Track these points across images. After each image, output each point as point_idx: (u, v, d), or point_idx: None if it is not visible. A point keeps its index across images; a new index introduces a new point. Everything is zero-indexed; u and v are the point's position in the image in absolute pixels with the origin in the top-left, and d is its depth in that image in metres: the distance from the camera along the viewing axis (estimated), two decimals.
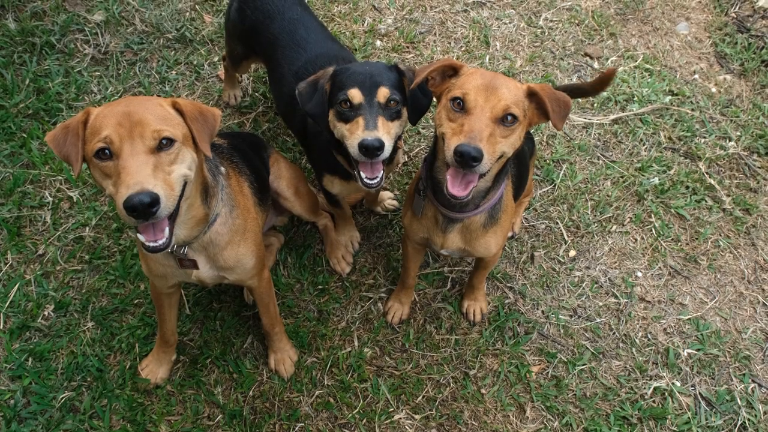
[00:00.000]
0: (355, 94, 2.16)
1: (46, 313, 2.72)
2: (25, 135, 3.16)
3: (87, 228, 2.93)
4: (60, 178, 3.06)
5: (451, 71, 2.00)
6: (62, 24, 3.55)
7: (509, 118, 1.85)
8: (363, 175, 2.24)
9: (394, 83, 2.21)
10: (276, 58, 2.66)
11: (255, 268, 2.22)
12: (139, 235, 1.70)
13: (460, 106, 1.88)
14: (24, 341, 2.65)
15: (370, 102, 2.16)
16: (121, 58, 3.52)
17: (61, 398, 2.52)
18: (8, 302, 2.71)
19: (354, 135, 2.14)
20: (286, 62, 2.61)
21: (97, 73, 3.45)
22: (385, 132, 2.14)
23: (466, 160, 1.77)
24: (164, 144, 1.66)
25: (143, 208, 1.55)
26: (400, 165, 2.85)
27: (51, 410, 2.49)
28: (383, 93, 2.17)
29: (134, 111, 1.65)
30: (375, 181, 2.24)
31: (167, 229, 1.71)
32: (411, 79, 2.23)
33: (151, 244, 1.70)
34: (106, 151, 1.63)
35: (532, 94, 1.91)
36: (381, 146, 2.10)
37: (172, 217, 1.73)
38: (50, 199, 3.00)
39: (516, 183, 2.40)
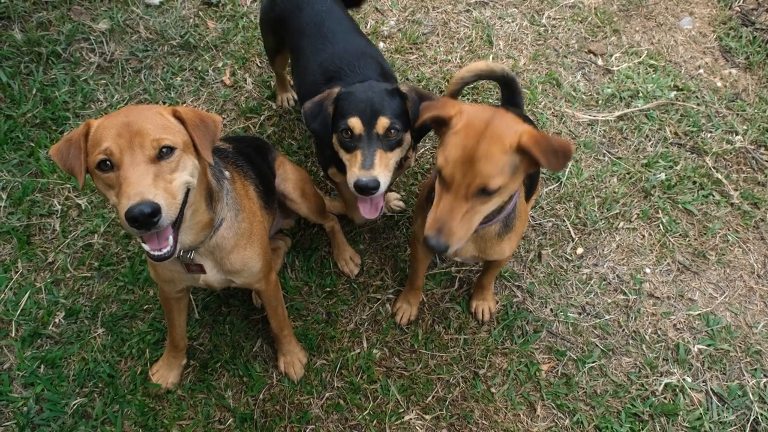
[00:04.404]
0: (356, 124, 2.17)
1: (56, 320, 2.74)
2: (32, 144, 3.19)
3: (96, 235, 2.96)
4: (68, 186, 3.08)
5: (443, 120, 1.87)
6: (67, 33, 3.58)
7: (488, 191, 1.76)
8: (361, 210, 2.29)
9: (395, 110, 2.21)
10: (301, 47, 2.67)
11: (262, 271, 2.23)
12: (143, 244, 1.71)
13: (442, 178, 1.80)
14: (36, 349, 2.67)
15: (369, 134, 2.18)
16: (126, 66, 3.54)
17: (74, 404, 2.54)
18: (19, 310, 2.74)
19: (351, 171, 2.18)
20: (311, 52, 2.63)
21: (102, 81, 3.48)
22: (383, 166, 2.17)
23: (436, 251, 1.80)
24: (164, 152, 1.66)
25: (144, 219, 1.55)
26: (411, 167, 2.86)
27: (64, 417, 2.51)
28: (382, 124, 2.18)
29: (133, 121, 1.66)
30: (375, 216, 2.31)
31: (171, 237, 1.72)
32: (414, 101, 2.23)
33: (156, 253, 1.71)
34: (107, 162, 1.64)
35: (523, 151, 1.74)
36: (376, 186, 2.13)
37: (176, 224, 1.73)
38: (59, 207, 3.02)
39: (528, 184, 2.37)
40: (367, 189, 2.13)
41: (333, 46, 2.60)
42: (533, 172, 2.43)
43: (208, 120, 1.82)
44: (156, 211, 1.57)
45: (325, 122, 2.26)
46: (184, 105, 3.42)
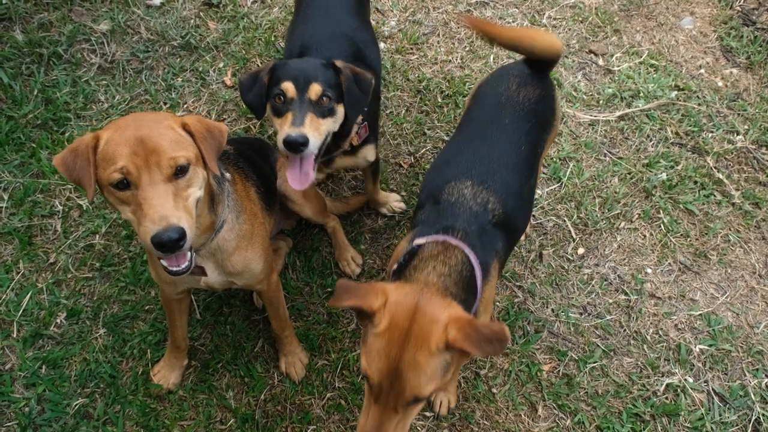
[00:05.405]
0: (288, 88, 2.21)
1: (58, 320, 2.74)
2: (34, 145, 3.19)
3: (97, 236, 2.96)
4: (69, 186, 3.09)
5: (366, 313, 1.65)
6: (69, 34, 3.58)
7: (420, 399, 1.60)
8: (289, 179, 2.28)
9: (329, 80, 2.25)
10: (300, 11, 2.77)
11: (263, 272, 2.23)
12: (162, 261, 1.73)
13: (370, 388, 1.62)
14: (37, 349, 2.68)
15: (301, 98, 2.21)
16: (127, 67, 3.55)
17: (75, 405, 2.54)
18: (21, 311, 2.74)
19: (281, 130, 2.18)
20: (302, 19, 2.72)
21: (104, 82, 3.48)
22: (314, 129, 2.18)
23: None
24: (179, 170, 1.67)
25: (172, 244, 1.58)
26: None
27: (65, 417, 2.51)
28: (315, 90, 2.21)
29: (146, 137, 1.63)
30: (305, 186, 2.28)
31: (189, 253, 1.76)
32: (348, 77, 2.29)
33: (174, 269, 1.74)
34: (124, 180, 1.64)
35: (451, 348, 1.57)
36: (305, 142, 2.14)
37: None
38: (60, 207, 3.02)
39: (503, 257, 2.12)
40: (296, 144, 2.13)
41: (323, 20, 2.66)
42: (517, 233, 2.21)
43: (215, 130, 1.82)
44: (183, 235, 1.60)
45: (260, 93, 2.30)
46: (185, 105, 3.43)
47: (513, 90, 2.30)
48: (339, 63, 2.31)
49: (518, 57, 2.49)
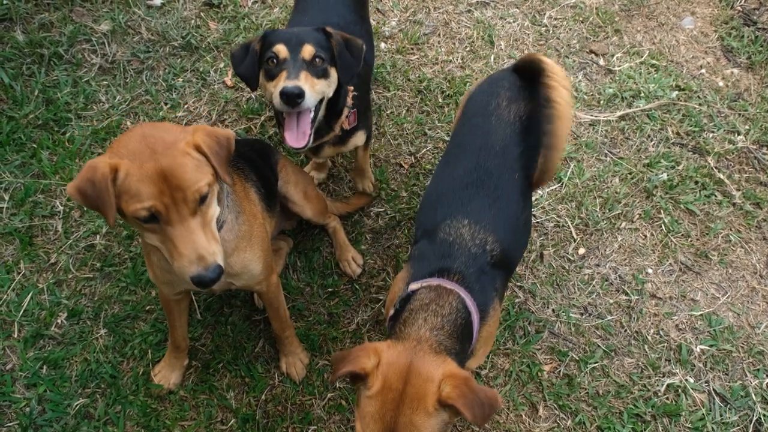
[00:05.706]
0: (281, 49, 2.22)
1: (59, 321, 2.74)
2: (35, 145, 3.19)
3: (98, 236, 2.96)
4: None
5: (359, 375, 1.61)
6: (69, 35, 3.58)
7: None
8: (287, 138, 2.25)
9: (320, 43, 2.25)
10: (300, 3, 2.84)
11: (262, 273, 2.23)
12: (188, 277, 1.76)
13: None
14: (38, 349, 2.68)
15: (294, 58, 2.21)
16: (128, 67, 3.55)
17: (76, 405, 2.54)
18: (22, 311, 2.74)
19: (277, 87, 2.16)
20: (300, 11, 2.77)
21: (104, 82, 3.48)
22: (309, 85, 2.17)
23: None
24: (202, 199, 1.69)
25: (211, 282, 1.65)
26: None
27: (66, 417, 2.52)
28: (308, 50, 2.21)
29: (169, 171, 1.61)
30: (302, 144, 2.26)
31: None
32: (339, 42, 2.30)
33: (199, 281, 1.76)
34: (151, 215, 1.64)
35: (446, 406, 1.54)
36: (301, 93, 2.12)
37: None
38: (61, 208, 3.03)
39: (505, 287, 2.11)
40: (292, 95, 2.11)
41: (319, 13, 2.69)
42: (509, 272, 2.14)
43: (223, 140, 1.80)
44: (221, 272, 1.66)
45: (253, 62, 2.29)
46: (185, 106, 3.43)
47: (503, 107, 2.20)
48: (330, 29, 2.31)
49: (520, 57, 2.44)
